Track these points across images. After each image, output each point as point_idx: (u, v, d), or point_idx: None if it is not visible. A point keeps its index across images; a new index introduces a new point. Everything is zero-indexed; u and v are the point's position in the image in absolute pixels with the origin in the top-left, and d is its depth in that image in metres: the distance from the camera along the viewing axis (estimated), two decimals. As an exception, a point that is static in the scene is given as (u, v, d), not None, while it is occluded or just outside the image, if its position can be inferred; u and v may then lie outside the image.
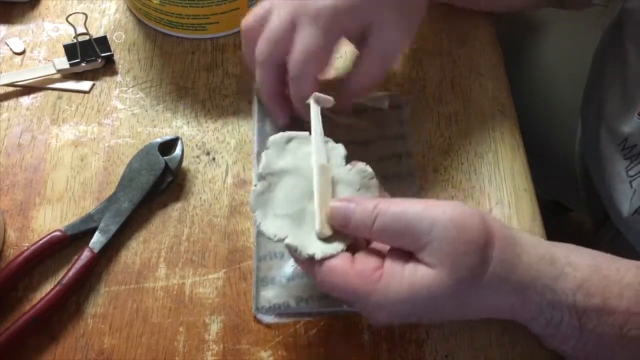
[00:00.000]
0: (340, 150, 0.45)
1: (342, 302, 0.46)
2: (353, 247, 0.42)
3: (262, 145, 0.53)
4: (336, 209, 0.41)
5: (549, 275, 0.41)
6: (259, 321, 0.47)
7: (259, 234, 0.49)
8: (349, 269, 0.40)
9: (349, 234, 0.42)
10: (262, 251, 0.49)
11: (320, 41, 0.48)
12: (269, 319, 0.47)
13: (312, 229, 0.42)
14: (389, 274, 0.39)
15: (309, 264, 0.41)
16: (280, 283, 0.48)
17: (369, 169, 0.44)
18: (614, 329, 0.40)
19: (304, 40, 0.48)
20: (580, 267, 0.41)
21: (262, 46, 0.49)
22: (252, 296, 0.48)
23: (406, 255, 0.40)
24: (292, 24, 0.48)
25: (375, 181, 0.44)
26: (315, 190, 0.42)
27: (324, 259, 0.40)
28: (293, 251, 0.41)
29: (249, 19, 0.51)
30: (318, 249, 0.41)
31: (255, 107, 0.56)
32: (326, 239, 0.41)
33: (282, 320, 0.47)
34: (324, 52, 0.49)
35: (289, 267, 0.49)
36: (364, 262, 0.40)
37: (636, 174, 0.55)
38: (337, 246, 0.41)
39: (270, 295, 0.48)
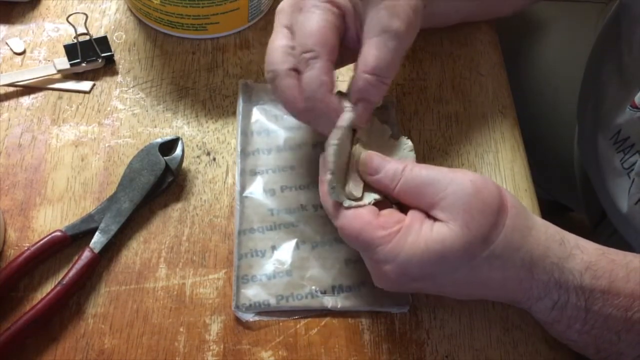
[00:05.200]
0: (387, 129, 0.49)
1: (322, 301, 0.47)
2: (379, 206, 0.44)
3: (245, 143, 0.53)
4: (371, 156, 0.44)
5: (558, 254, 0.42)
6: (238, 319, 0.47)
7: (240, 232, 0.50)
8: (373, 218, 0.42)
9: (377, 192, 0.44)
10: (243, 249, 0.49)
11: (319, 18, 0.44)
12: (248, 317, 0.47)
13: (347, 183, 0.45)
14: (408, 227, 0.41)
15: (336, 205, 0.44)
16: (260, 281, 0.48)
17: (410, 142, 0.48)
18: (620, 311, 0.41)
19: (304, 24, 0.45)
20: (588, 250, 0.43)
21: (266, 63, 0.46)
22: (232, 294, 0.48)
23: (427, 216, 0.42)
24: (287, 27, 0.47)
25: (413, 154, 0.47)
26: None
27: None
28: (330, 187, 0.43)
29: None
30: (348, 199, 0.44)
31: (239, 106, 0.55)
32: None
33: (262, 319, 0.47)
34: (325, 30, 0.44)
35: (270, 265, 0.49)
36: (388, 216, 0.43)
37: (631, 166, 0.55)
38: (365, 199, 0.44)
39: (250, 293, 0.48)
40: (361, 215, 0.43)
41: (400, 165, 0.43)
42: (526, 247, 0.41)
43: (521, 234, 0.42)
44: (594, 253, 0.43)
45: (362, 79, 0.45)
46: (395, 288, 0.45)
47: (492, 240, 0.41)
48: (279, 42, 0.46)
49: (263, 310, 0.47)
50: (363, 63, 0.45)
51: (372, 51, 0.45)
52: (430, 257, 0.40)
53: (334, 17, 0.46)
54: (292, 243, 0.50)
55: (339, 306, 0.48)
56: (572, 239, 0.43)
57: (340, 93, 0.47)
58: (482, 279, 0.42)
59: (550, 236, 0.43)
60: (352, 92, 0.46)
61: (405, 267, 0.41)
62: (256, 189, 0.52)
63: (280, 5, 0.48)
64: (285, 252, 0.49)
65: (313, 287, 0.48)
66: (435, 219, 0.42)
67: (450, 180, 0.41)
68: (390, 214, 0.43)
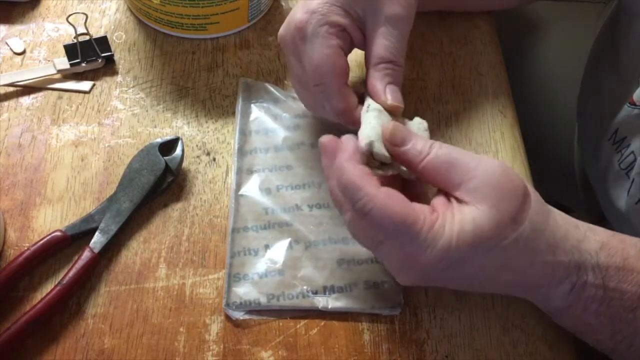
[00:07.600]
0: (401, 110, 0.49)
1: (313, 301, 0.47)
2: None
3: (243, 142, 0.53)
4: (399, 128, 0.44)
5: (575, 236, 0.43)
6: (228, 317, 0.47)
7: (234, 230, 0.50)
8: (410, 203, 0.41)
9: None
10: (236, 247, 0.49)
11: (321, 47, 0.46)
12: (238, 315, 0.47)
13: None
14: (444, 213, 0.41)
15: (369, 182, 0.42)
16: (252, 280, 0.48)
17: (425, 123, 0.48)
18: (635, 287, 0.42)
19: (308, 56, 0.47)
20: (599, 232, 0.44)
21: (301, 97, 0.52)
22: (223, 292, 0.48)
23: (449, 200, 0.42)
24: (295, 59, 0.49)
25: (428, 133, 0.47)
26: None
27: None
28: (369, 142, 0.44)
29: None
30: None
31: (239, 104, 0.56)
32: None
33: (253, 317, 0.47)
34: (329, 58, 0.47)
35: (262, 264, 0.49)
36: (422, 205, 0.42)
37: (627, 167, 0.55)
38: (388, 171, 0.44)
39: (241, 291, 0.48)
40: (401, 198, 0.41)
41: (428, 142, 0.43)
42: (549, 230, 0.42)
43: (544, 217, 0.42)
44: (605, 234, 0.44)
45: (380, 70, 0.47)
46: (423, 280, 0.44)
47: (521, 222, 0.41)
48: (292, 72, 0.50)
49: (253, 308, 0.47)
50: (376, 55, 0.47)
51: (381, 42, 0.47)
52: (465, 239, 0.40)
53: (335, 38, 0.47)
54: (286, 242, 0.50)
55: (329, 307, 0.47)
56: (583, 223, 0.45)
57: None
58: (510, 263, 0.42)
59: (567, 220, 0.44)
60: (377, 82, 0.47)
61: (444, 253, 0.40)
62: (252, 188, 0.52)
63: (281, 34, 0.50)
64: (278, 251, 0.49)
65: (304, 287, 0.48)
66: (459, 201, 0.41)
67: (479, 161, 0.42)
68: (421, 204, 0.42)
